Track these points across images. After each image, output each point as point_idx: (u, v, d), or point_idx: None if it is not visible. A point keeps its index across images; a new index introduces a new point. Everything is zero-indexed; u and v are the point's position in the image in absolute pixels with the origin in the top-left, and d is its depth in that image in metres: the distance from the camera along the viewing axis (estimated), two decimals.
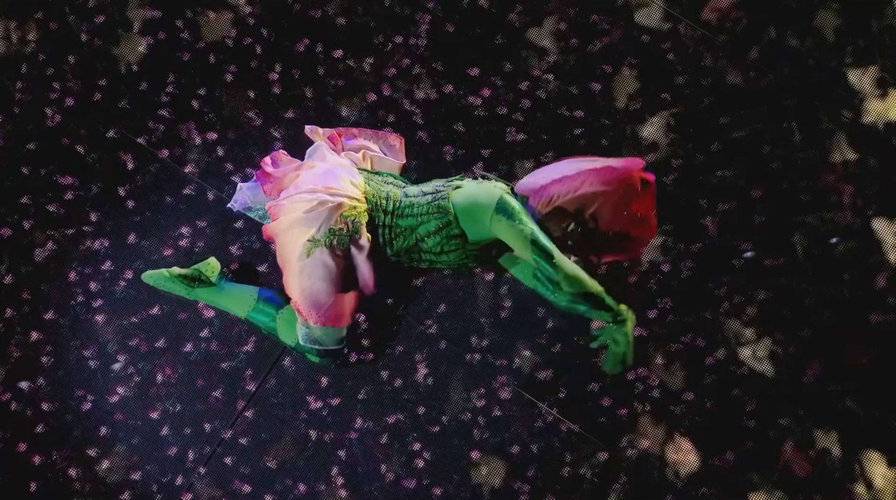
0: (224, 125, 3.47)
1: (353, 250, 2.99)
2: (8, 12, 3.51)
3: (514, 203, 2.84)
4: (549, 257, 2.80)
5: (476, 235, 2.92)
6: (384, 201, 3.02)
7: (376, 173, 3.12)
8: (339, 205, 2.96)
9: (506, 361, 3.36)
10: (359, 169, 3.11)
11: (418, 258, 3.02)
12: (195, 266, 3.26)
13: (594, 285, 2.79)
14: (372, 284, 3.05)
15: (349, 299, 3.03)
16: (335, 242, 2.96)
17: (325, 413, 3.32)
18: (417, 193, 3.02)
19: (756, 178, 3.49)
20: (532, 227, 2.81)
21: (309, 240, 2.95)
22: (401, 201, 3.01)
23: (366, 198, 3.01)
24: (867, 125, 3.54)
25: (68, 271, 3.37)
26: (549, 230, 2.90)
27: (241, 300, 3.22)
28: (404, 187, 3.07)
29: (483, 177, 3.02)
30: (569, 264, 2.80)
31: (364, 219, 2.99)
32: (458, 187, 2.94)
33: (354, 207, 2.98)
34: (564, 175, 2.86)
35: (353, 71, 3.52)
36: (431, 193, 2.98)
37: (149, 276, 3.28)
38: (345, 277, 3.00)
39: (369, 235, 3.00)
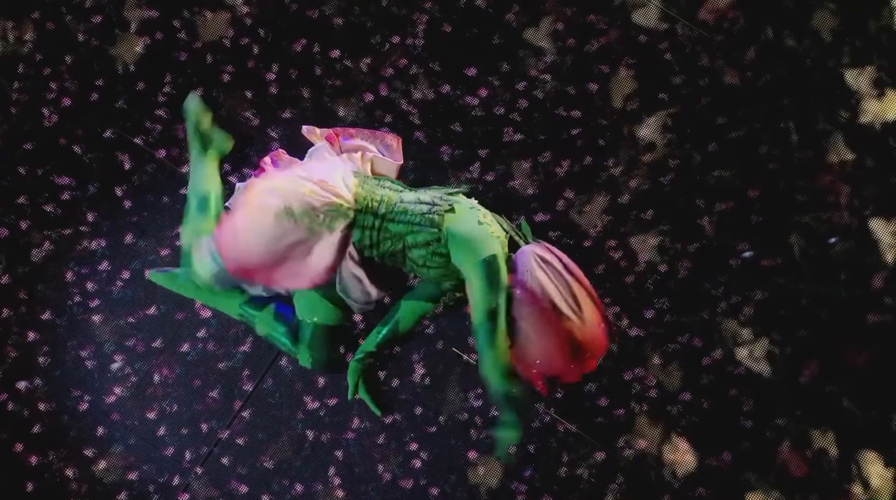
0: (221, 125, 3.46)
1: (321, 241, 2.98)
2: (5, 12, 3.51)
3: (502, 271, 2.87)
4: (492, 334, 2.85)
5: (457, 264, 2.95)
6: (376, 205, 3.00)
7: (374, 178, 3.12)
8: (327, 202, 2.95)
9: None
10: (355, 174, 3.09)
11: (402, 262, 3.03)
12: (216, 132, 3.24)
13: (508, 384, 2.89)
14: (322, 277, 3.02)
15: (272, 270, 3.00)
16: (307, 222, 2.95)
17: (322, 413, 3.32)
18: (414, 199, 3.01)
19: (753, 178, 3.49)
20: (500, 302, 2.85)
21: (285, 208, 2.93)
22: (395, 206, 3.00)
23: (355, 200, 3.00)
24: (864, 125, 3.54)
25: (65, 271, 3.36)
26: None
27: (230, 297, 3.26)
28: (401, 192, 3.07)
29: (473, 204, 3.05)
30: (502, 354, 2.87)
31: (346, 219, 2.98)
32: (455, 211, 2.96)
33: (340, 205, 2.97)
34: (541, 304, 2.86)
35: (351, 71, 3.52)
36: (428, 204, 2.99)
37: (155, 276, 3.28)
38: (287, 255, 2.97)
39: (348, 233, 3.00)
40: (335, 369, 3.28)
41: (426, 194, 3.03)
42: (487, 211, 3.03)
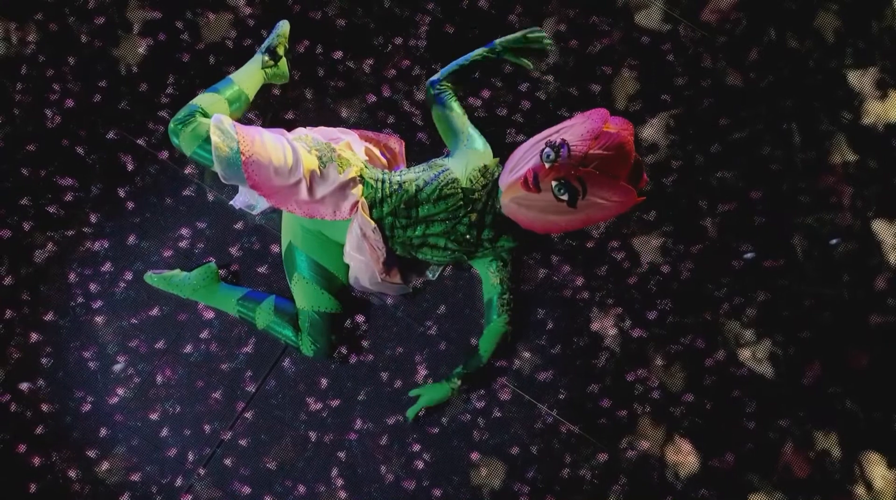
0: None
1: (332, 176, 3.05)
2: (8, 13, 3.51)
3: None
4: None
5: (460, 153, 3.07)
6: (379, 172, 3.11)
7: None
8: (342, 149, 3.09)
9: (505, 362, 3.35)
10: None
11: (416, 215, 3.03)
12: (283, 61, 3.36)
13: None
14: (322, 211, 3.06)
15: (270, 182, 3.02)
16: (322, 151, 3.05)
17: (324, 415, 3.32)
18: (406, 172, 3.12)
19: (756, 179, 3.49)
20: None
21: (305, 135, 3.08)
22: (396, 171, 3.14)
23: (364, 164, 3.12)
24: (867, 126, 3.54)
25: (68, 272, 3.36)
26: (523, 166, 2.90)
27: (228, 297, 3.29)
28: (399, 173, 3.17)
29: None
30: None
31: (357, 171, 3.07)
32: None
33: (351, 157, 3.08)
34: (539, 139, 2.91)
35: (353, 72, 3.52)
36: (426, 161, 3.14)
37: (150, 278, 3.29)
38: (301, 182, 3.02)
39: (357, 183, 3.07)
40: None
41: (420, 165, 3.16)
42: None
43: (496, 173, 3.05)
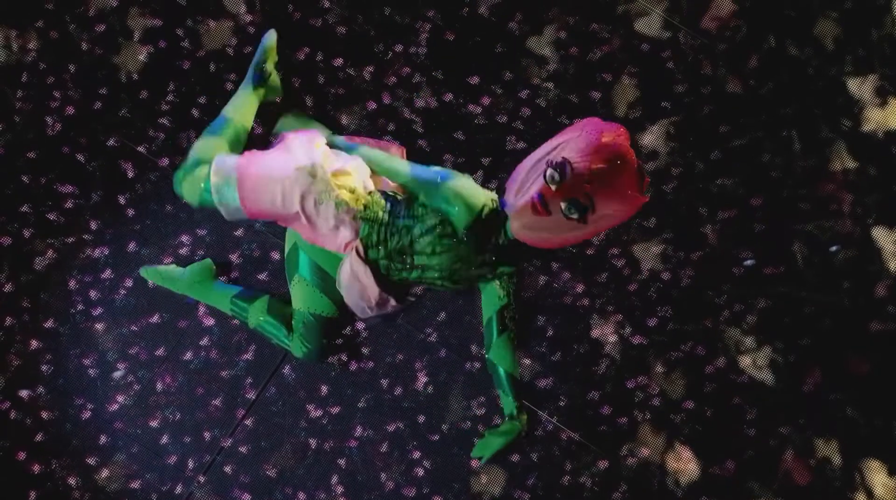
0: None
1: (330, 212, 3.03)
2: (8, 21, 3.52)
3: (469, 190, 2.97)
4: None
5: (461, 221, 2.98)
6: (382, 203, 3.06)
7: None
8: (343, 186, 3.04)
9: None
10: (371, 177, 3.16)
11: (410, 263, 3.03)
12: (276, 77, 3.34)
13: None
14: (327, 243, 3.08)
15: (272, 214, 3.04)
16: (321, 189, 3.01)
17: (324, 422, 3.32)
18: (413, 197, 3.07)
19: (756, 186, 3.49)
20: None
21: (310, 167, 3.01)
22: (398, 204, 3.07)
23: (366, 202, 3.06)
24: (867, 134, 3.54)
25: (68, 279, 3.37)
26: (529, 189, 2.86)
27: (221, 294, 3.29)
28: (403, 196, 3.12)
29: None
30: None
31: (353, 207, 3.03)
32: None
33: (354, 190, 3.04)
34: (542, 155, 2.88)
35: (354, 79, 3.52)
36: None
37: (145, 271, 3.30)
38: (302, 213, 3.02)
39: (356, 223, 3.05)
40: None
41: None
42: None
43: (495, 207, 3.02)
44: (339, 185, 3.03)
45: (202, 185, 3.02)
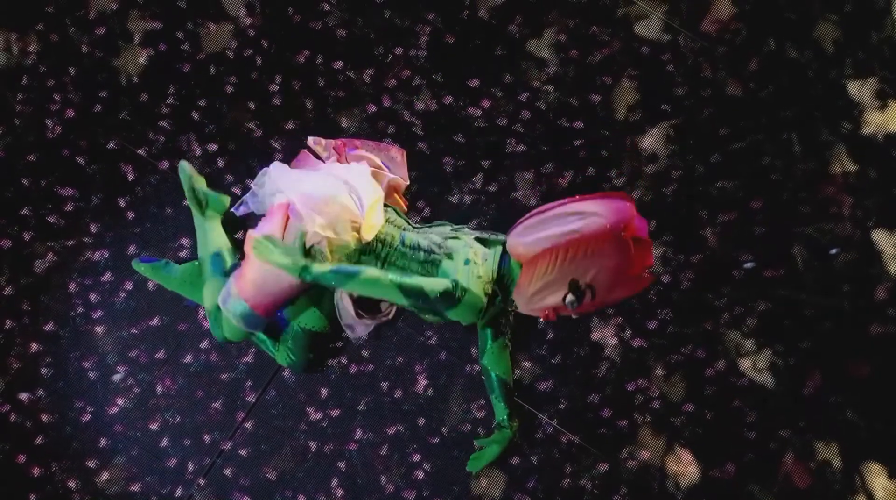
0: (224, 136, 3.48)
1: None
2: (9, 24, 3.52)
3: (466, 295, 2.89)
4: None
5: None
6: (379, 246, 2.99)
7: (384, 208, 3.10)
8: (334, 240, 2.96)
9: None
10: (386, 207, 3.09)
11: None
12: (210, 193, 3.29)
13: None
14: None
15: (289, 300, 3.04)
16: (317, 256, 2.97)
17: (324, 424, 3.32)
18: (413, 244, 2.99)
19: (756, 189, 3.49)
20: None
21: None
22: (396, 249, 2.99)
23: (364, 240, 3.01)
24: (867, 136, 3.54)
25: (68, 282, 3.37)
26: (545, 298, 2.83)
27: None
28: (403, 231, 3.03)
29: (481, 237, 3.02)
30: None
31: (348, 252, 2.97)
32: (452, 259, 2.95)
33: (348, 245, 2.96)
34: (555, 245, 2.76)
35: (354, 82, 3.52)
36: (425, 252, 2.97)
37: (138, 264, 3.30)
38: (304, 286, 3.00)
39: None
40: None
41: (425, 238, 3.00)
42: (481, 258, 2.97)
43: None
44: (330, 236, 2.97)
45: (234, 323, 3.03)
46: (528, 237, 2.82)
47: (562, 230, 2.77)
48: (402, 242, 3.00)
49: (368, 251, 2.97)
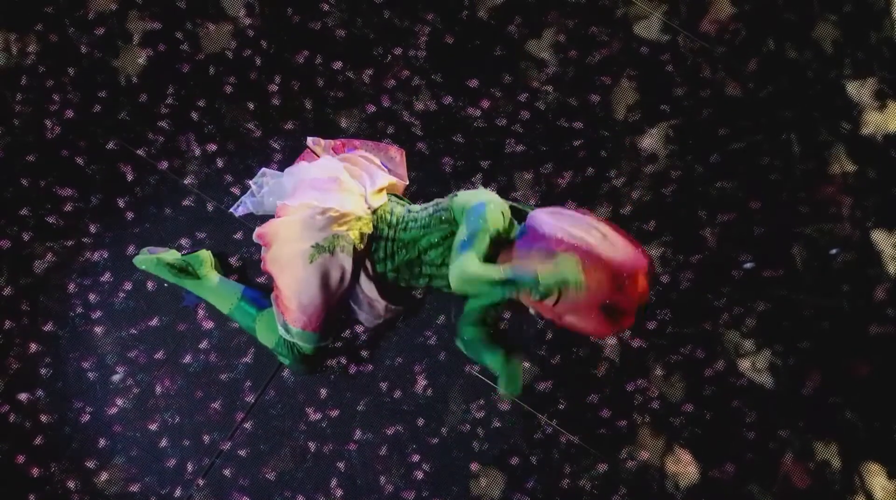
0: (224, 137, 3.47)
1: (352, 259, 3.01)
2: (8, 24, 3.52)
3: (489, 218, 2.83)
4: (462, 252, 2.82)
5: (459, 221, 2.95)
6: (388, 215, 3.04)
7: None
8: (344, 215, 2.98)
9: None
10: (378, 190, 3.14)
11: (419, 273, 3.03)
12: (185, 257, 3.27)
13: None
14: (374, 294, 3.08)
15: (337, 308, 3.05)
16: (339, 248, 2.98)
17: (324, 425, 3.32)
18: (419, 208, 3.06)
19: (755, 189, 3.49)
20: (470, 235, 2.82)
21: (313, 246, 2.96)
22: (404, 216, 3.04)
23: (373, 211, 3.04)
24: (866, 137, 3.54)
25: (67, 282, 3.36)
26: (524, 266, 2.79)
27: (224, 297, 3.24)
28: (406, 205, 3.11)
29: (512, 200, 3.04)
30: (476, 269, 2.79)
31: (367, 230, 3.01)
32: (458, 194, 2.97)
33: (360, 218, 3.00)
34: (565, 239, 2.75)
35: (353, 83, 3.52)
36: (432, 206, 3.02)
37: (140, 261, 3.29)
38: (341, 286, 3.01)
39: (365, 246, 3.02)
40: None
41: (430, 203, 3.06)
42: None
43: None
44: (343, 229, 3.00)
45: (303, 346, 3.08)
46: (553, 219, 2.83)
47: (581, 235, 2.77)
48: (409, 210, 3.06)
49: (381, 221, 3.04)
